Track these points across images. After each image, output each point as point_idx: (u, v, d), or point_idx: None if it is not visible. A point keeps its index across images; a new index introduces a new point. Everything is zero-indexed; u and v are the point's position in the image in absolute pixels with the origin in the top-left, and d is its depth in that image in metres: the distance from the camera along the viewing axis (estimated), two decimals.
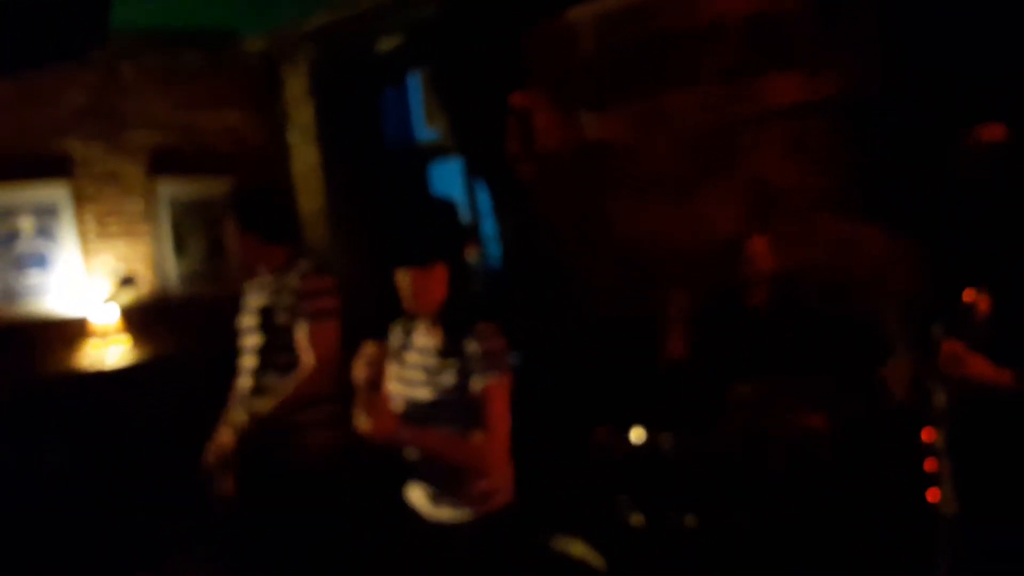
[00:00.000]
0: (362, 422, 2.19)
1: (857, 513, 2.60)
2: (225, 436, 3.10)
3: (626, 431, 3.17)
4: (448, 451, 2.31)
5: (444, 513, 2.39)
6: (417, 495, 2.46)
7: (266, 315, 3.17)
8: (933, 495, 2.28)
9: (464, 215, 2.43)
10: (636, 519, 3.02)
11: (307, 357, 3.08)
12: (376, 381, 2.22)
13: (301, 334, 3.09)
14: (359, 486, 3.35)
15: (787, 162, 3.59)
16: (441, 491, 2.38)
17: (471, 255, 2.39)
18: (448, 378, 2.31)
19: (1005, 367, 2.00)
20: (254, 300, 3.26)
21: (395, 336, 2.52)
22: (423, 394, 2.35)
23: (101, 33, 3.26)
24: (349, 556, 3.32)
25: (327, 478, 3.18)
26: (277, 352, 3.16)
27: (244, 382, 3.24)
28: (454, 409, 2.30)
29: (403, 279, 2.34)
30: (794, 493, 2.76)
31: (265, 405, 3.08)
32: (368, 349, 2.25)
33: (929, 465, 2.33)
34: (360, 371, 2.22)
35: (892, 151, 3.18)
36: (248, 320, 3.27)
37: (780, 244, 3.27)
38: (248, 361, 3.24)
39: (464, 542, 2.35)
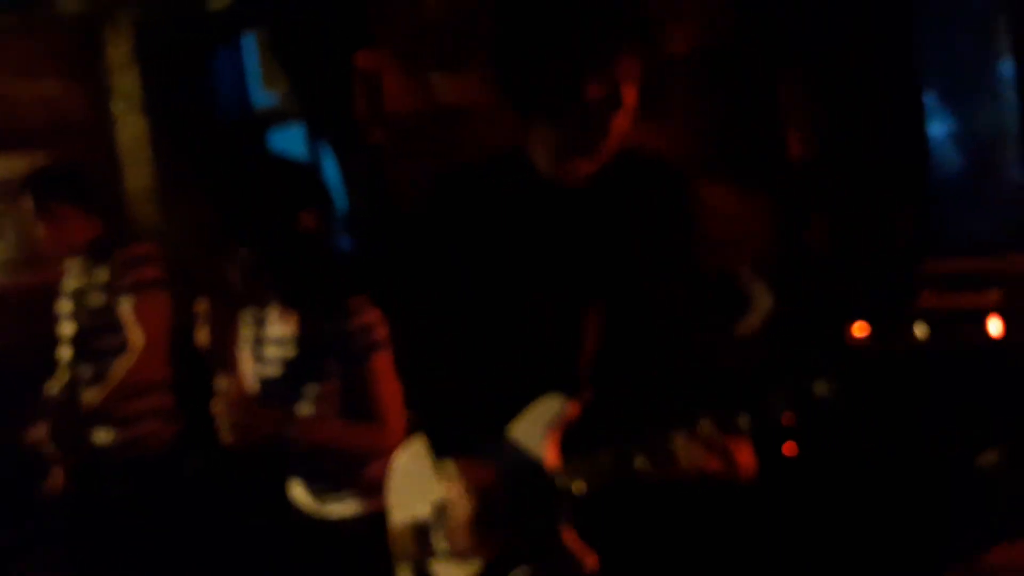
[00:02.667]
0: (226, 430, 1.99)
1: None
2: (39, 431, 2.87)
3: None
4: (342, 440, 2.12)
5: (332, 509, 2.19)
6: (299, 491, 2.26)
7: (79, 297, 2.91)
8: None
9: (298, 178, 2.22)
10: None
11: (134, 336, 2.81)
12: (226, 346, 2.03)
13: (125, 310, 2.82)
14: (234, 483, 3.16)
15: (643, 121, 3.56)
16: (325, 485, 2.19)
17: (312, 224, 2.16)
18: (315, 367, 2.11)
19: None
20: (69, 283, 2.99)
21: (246, 328, 2.28)
22: (289, 390, 2.14)
23: None
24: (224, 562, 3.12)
25: (164, 472, 2.99)
26: (94, 337, 2.90)
27: (61, 375, 2.99)
28: (328, 400, 2.11)
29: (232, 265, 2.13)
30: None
31: (91, 395, 2.84)
32: (202, 306, 2.06)
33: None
34: (203, 335, 2.02)
35: (740, 106, 3.19)
36: (63, 305, 3.00)
37: None
38: (64, 351, 2.98)
39: (356, 539, 2.16)
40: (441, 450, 1.73)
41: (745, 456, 1.57)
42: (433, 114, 3.83)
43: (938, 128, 3.10)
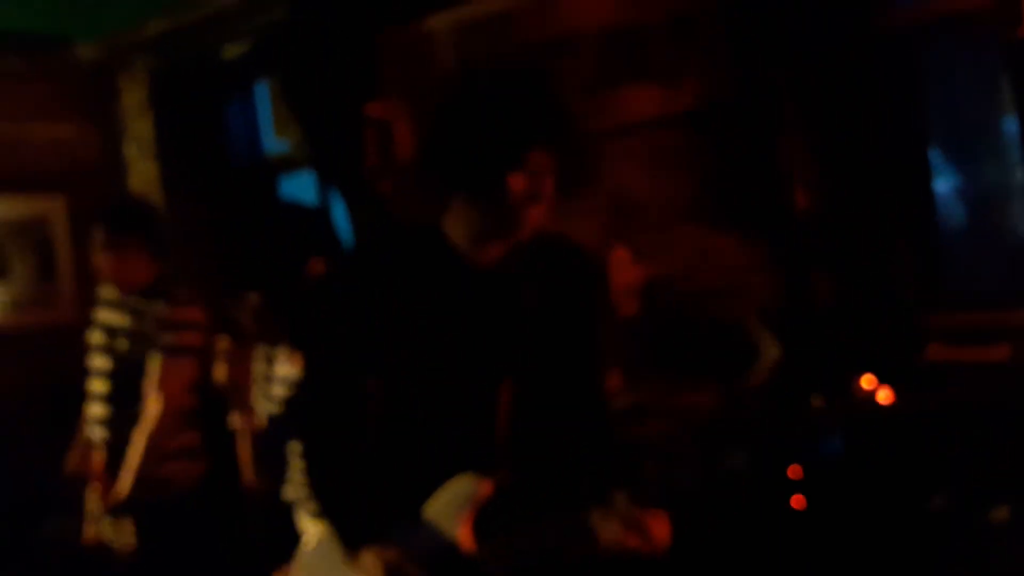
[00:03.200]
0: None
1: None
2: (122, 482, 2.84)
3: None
4: None
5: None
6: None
7: (118, 335, 2.90)
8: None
9: (309, 225, 2.25)
10: None
11: (153, 401, 2.78)
12: (242, 382, 2.05)
13: (152, 369, 2.80)
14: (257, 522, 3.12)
15: (646, 174, 3.59)
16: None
17: (321, 271, 2.18)
18: None
19: None
20: (111, 317, 2.96)
21: (259, 365, 2.32)
22: (288, 431, 2.17)
23: None
24: None
25: (196, 509, 2.97)
26: (129, 380, 2.87)
27: (96, 410, 2.97)
28: None
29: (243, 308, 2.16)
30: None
31: (127, 467, 2.83)
32: (223, 344, 2.09)
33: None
34: (222, 372, 2.06)
35: (746, 161, 3.22)
36: (99, 338, 2.98)
37: (639, 256, 3.26)
38: (98, 385, 2.96)
39: None
40: (350, 540, 1.68)
41: (660, 528, 1.61)
42: None
43: (943, 183, 3.13)
